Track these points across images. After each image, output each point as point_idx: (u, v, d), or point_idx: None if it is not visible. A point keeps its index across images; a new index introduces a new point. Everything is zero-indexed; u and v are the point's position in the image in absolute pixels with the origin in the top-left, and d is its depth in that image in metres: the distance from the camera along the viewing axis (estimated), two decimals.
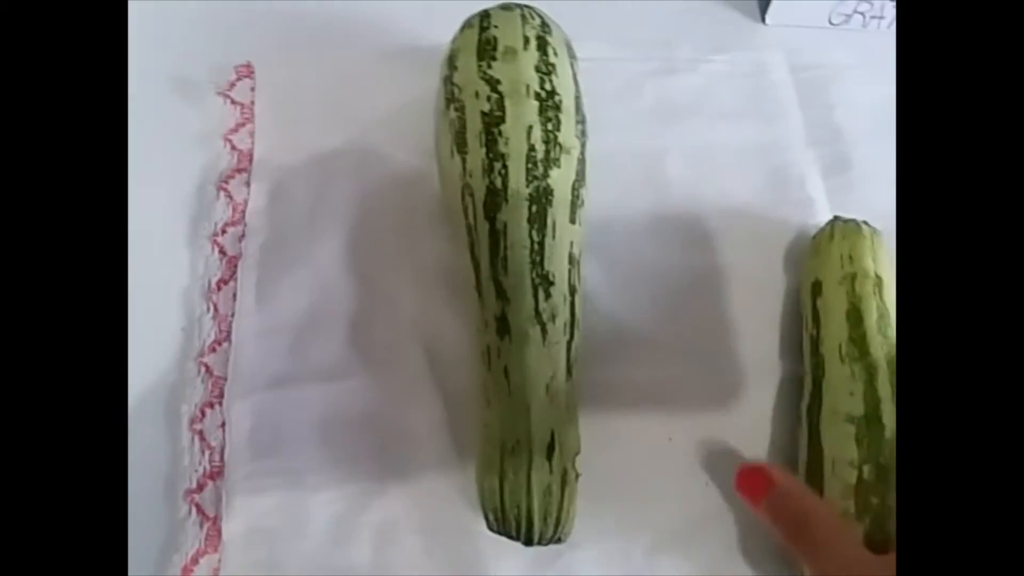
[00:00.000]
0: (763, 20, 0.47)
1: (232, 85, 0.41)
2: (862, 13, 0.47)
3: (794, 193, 0.41)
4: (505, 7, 0.36)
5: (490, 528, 0.29)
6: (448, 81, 0.35)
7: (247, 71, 0.41)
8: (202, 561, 0.29)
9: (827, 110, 0.44)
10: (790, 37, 0.46)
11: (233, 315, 0.34)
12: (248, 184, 0.38)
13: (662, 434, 0.33)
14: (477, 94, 0.33)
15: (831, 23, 0.47)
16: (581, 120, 0.35)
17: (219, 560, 0.29)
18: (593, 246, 0.38)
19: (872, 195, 0.41)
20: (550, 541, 0.29)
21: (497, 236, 0.31)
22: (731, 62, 0.45)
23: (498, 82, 0.33)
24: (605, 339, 0.35)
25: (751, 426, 0.34)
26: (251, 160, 0.39)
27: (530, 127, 0.32)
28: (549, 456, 0.29)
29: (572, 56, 0.36)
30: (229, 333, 0.34)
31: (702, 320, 0.36)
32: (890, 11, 0.47)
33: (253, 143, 0.39)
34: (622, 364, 0.35)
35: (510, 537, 0.29)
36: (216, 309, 0.34)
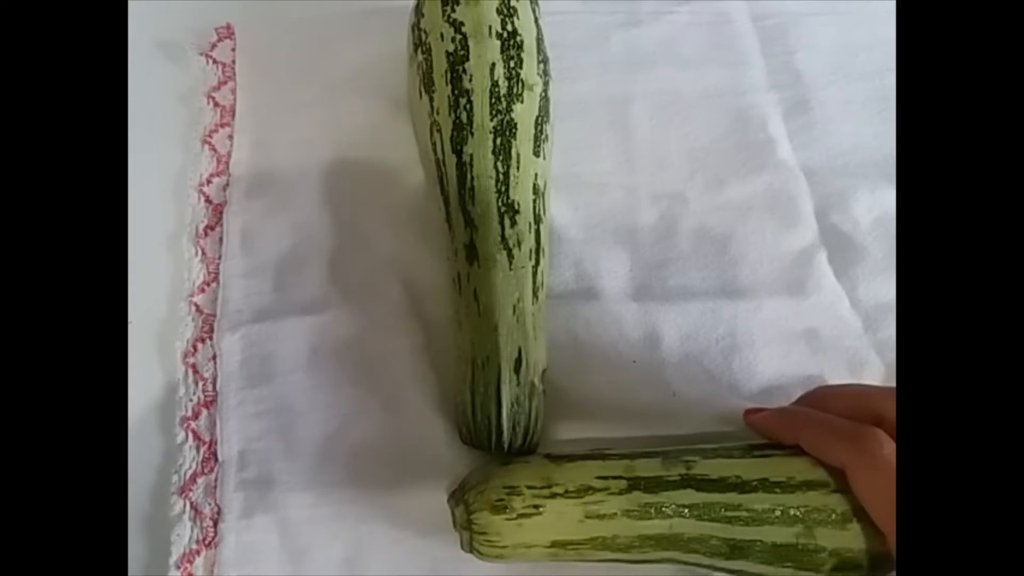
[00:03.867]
0: None
1: (213, 46, 0.42)
2: None
3: (756, 134, 0.43)
4: None
5: (463, 440, 0.31)
6: (416, 28, 0.37)
7: (227, 32, 0.43)
8: (199, 480, 0.32)
9: (787, 55, 0.46)
10: None
11: (220, 258, 0.36)
12: (231, 137, 0.40)
13: (627, 356, 0.35)
14: (442, 36, 0.35)
15: None
16: (543, 60, 0.36)
17: (215, 479, 0.31)
18: (562, 187, 0.39)
19: (831, 134, 0.43)
20: (519, 451, 0.31)
21: (464, 168, 0.33)
22: (694, 12, 0.47)
23: (461, 24, 0.35)
24: (572, 273, 0.37)
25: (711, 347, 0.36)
26: (233, 115, 0.40)
27: (493, 64, 0.34)
28: (517, 370, 0.31)
29: (534, 2, 0.38)
30: (216, 274, 0.36)
31: (665, 257, 0.38)
32: None
33: (235, 99, 0.41)
34: (586, 295, 0.36)
35: (482, 448, 0.31)
36: (204, 253, 0.36)
